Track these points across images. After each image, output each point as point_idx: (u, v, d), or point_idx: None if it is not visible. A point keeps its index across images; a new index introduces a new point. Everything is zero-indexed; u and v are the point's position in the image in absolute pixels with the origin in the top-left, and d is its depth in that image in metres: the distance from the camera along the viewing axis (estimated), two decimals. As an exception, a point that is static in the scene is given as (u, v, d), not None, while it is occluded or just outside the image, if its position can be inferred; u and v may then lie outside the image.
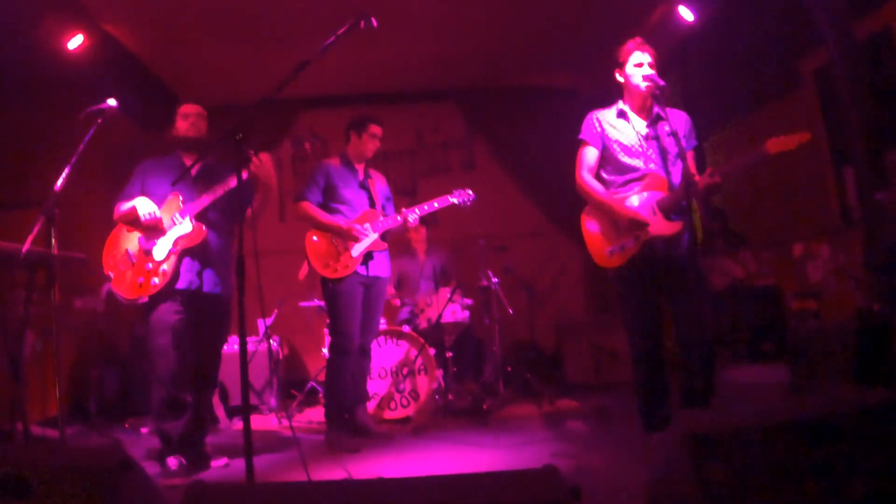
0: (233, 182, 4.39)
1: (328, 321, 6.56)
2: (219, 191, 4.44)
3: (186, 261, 4.43)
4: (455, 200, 5.43)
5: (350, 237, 5.17)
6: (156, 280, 4.33)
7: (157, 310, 4.36)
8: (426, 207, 5.32)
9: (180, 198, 4.49)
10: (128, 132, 7.39)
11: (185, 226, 4.42)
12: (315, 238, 5.24)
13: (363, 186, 5.41)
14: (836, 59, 4.54)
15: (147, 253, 4.38)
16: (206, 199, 4.45)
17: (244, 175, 4.31)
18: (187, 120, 4.64)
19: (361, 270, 5.19)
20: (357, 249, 5.16)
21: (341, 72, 7.87)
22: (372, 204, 5.40)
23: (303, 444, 5.17)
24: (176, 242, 4.39)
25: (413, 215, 5.26)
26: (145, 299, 4.33)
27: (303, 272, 6.24)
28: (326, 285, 5.23)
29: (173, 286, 4.37)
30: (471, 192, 5.48)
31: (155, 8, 6.20)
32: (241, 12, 6.36)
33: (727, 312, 6.24)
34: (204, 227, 4.45)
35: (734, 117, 6.90)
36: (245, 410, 2.77)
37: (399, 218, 5.27)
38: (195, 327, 4.44)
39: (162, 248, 4.38)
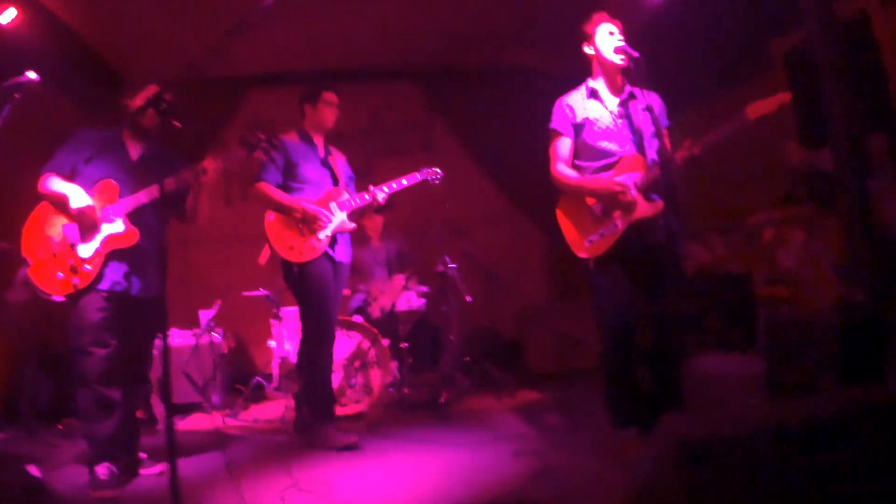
0: (172, 183, 4.02)
1: (274, 311, 6.23)
2: (156, 191, 4.01)
3: (113, 263, 4.01)
4: (423, 178, 5.07)
5: (314, 223, 4.73)
6: (76, 280, 3.88)
7: (78, 306, 3.92)
8: (395, 185, 4.93)
9: (118, 188, 4.05)
10: (66, 114, 6.91)
11: (116, 225, 3.99)
12: (273, 217, 4.80)
13: (325, 164, 4.99)
14: (817, 37, 4.32)
15: (72, 246, 3.93)
16: (142, 197, 4.02)
17: (187, 175, 4.03)
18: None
19: (329, 253, 4.78)
20: (325, 231, 4.73)
21: (292, 48, 7.52)
22: (335, 182, 4.97)
23: (247, 444, 4.87)
24: (105, 242, 3.96)
25: (381, 193, 4.84)
26: (62, 298, 3.91)
27: (264, 256, 5.68)
28: (291, 269, 4.76)
29: (95, 287, 3.95)
30: (438, 170, 5.14)
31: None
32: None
33: (693, 299, 6.06)
34: (136, 230, 4.03)
35: (700, 99, 6.69)
36: (169, 442, 2.39)
37: (367, 196, 4.84)
38: (123, 324, 4.02)
39: (89, 246, 3.95)
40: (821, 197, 5.51)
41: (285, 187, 4.83)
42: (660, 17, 6.60)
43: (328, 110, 5.00)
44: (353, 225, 4.87)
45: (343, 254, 4.91)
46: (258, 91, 8.38)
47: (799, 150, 5.78)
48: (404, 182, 4.98)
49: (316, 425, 4.71)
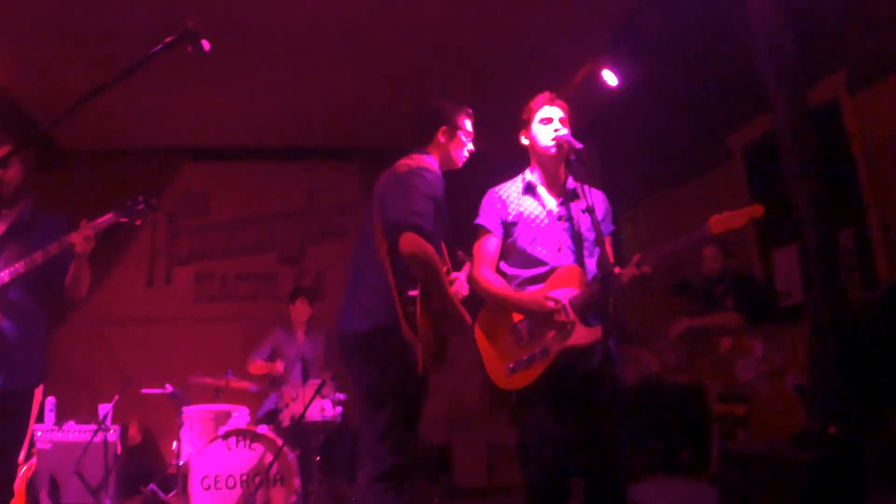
0: (39, 256, 3.42)
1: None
2: (21, 268, 3.43)
3: None
4: None
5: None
6: None
7: None
8: None
9: None
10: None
11: None
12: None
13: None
14: (785, 125, 3.91)
15: None
16: (3, 276, 3.43)
17: (54, 248, 3.43)
18: None
19: None
20: None
21: (229, 122, 7.37)
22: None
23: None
24: None
25: None
26: None
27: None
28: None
29: None
30: None
31: (26, 40, 5.62)
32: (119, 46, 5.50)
33: (639, 413, 5.51)
34: None
35: (655, 192, 6.50)
36: None
37: None
38: None
39: None
40: (747, 306, 5.21)
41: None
42: (614, 106, 6.34)
43: (469, 141, 3.65)
44: None
45: None
46: (192, 164, 8.18)
47: (718, 256, 5.39)
48: None
49: None
